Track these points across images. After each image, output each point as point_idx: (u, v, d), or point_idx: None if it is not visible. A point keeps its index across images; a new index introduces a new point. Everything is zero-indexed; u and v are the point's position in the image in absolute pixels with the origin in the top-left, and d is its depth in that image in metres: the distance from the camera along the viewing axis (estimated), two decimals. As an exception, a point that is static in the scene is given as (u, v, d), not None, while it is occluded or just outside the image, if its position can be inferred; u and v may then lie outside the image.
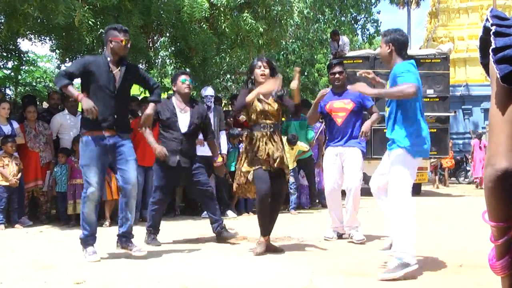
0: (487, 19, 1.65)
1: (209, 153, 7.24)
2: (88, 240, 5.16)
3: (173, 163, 6.02)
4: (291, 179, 9.41)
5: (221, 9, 9.43)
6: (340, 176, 6.30)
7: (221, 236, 6.17)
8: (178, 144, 6.04)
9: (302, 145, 9.54)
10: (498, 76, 1.55)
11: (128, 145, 5.31)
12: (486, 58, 1.65)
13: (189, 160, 6.15)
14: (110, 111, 5.16)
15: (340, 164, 6.26)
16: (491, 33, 1.59)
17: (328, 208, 6.59)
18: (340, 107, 6.22)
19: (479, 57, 1.73)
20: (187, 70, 6.61)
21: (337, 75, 6.28)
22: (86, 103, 4.94)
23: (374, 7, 20.00)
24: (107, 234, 6.95)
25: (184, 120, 6.11)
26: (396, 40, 4.68)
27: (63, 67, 12.95)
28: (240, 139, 9.52)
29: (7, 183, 7.61)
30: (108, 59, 5.19)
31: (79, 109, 9.19)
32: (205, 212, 8.79)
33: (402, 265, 4.28)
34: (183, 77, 6.17)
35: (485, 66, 1.69)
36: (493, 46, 1.58)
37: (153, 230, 6.19)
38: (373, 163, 10.23)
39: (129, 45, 5.37)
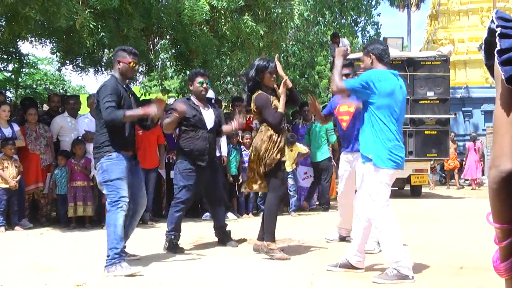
0: (492, 21, 1.64)
1: (217, 154, 7.30)
2: (121, 256, 4.75)
3: (203, 162, 5.92)
4: (290, 181, 9.42)
5: (222, 11, 9.43)
6: (354, 181, 6.22)
7: (222, 241, 6.17)
8: (206, 142, 5.95)
9: (301, 147, 9.55)
10: (503, 78, 1.55)
11: (140, 168, 5.48)
12: (491, 59, 1.64)
13: (213, 160, 6.16)
14: (133, 134, 5.22)
15: (353, 169, 6.16)
16: (496, 34, 1.59)
17: (338, 209, 6.51)
18: (345, 111, 6.15)
19: (483, 59, 1.72)
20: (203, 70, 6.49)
21: (343, 77, 6.17)
22: (153, 109, 4.98)
23: (374, 10, 20.02)
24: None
25: (209, 117, 6.06)
26: (375, 49, 4.71)
27: (64, 70, 12.96)
28: (240, 140, 9.52)
29: (7, 186, 7.61)
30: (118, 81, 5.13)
31: (81, 112, 9.23)
32: (206, 214, 8.79)
33: (399, 276, 4.28)
34: (200, 79, 6.04)
35: (490, 68, 1.68)
36: (498, 47, 1.57)
37: (176, 236, 5.85)
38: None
39: (136, 68, 5.34)
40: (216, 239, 6.30)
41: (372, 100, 4.50)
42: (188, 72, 6.57)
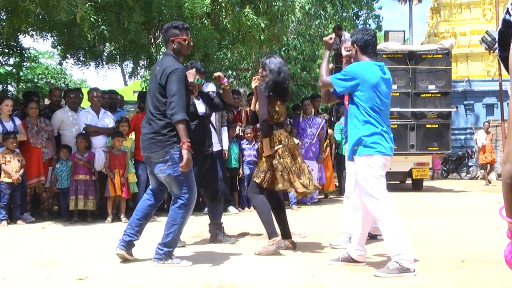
0: (507, 12, 1.61)
1: (218, 147, 7.23)
2: (173, 251, 4.83)
3: (204, 149, 5.88)
4: None
5: (223, 4, 9.41)
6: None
7: (217, 238, 6.06)
8: (202, 129, 5.91)
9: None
10: None
11: None
12: (505, 51, 1.60)
13: (212, 150, 6.13)
14: None
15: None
16: None
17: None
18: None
19: (497, 51, 1.69)
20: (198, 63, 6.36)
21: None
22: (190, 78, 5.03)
23: (375, 3, 19.97)
24: (110, 230, 6.97)
25: (200, 106, 6.01)
26: (360, 40, 4.69)
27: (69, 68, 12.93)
28: (240, 134, 9.51)
29: (10, 180, 7.61)
30: None
31: (83, 105, 9.22)
32: (207, 209, 8.79)
33: (400, 269, 4.28)
34: (196, 77, 5.72)
35: (504, 60, 1.64)
36: None
37: None
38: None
39: (191, 44, 5.12)
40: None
41: (356, 92, 4.53)
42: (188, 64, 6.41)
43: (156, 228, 6.91)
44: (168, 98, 4.64)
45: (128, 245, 4.92)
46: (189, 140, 4.67)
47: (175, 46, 4.88)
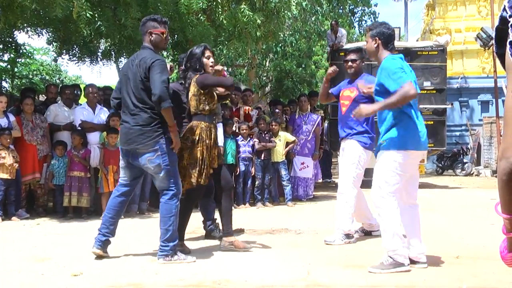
0: (504, 9, 1.60)
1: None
2: (176, 246, 4.86)
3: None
4: (283, 172, 9.44)
5: (219, 0, 9.39)
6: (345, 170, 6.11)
7: (212, 235, 6.07)
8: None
9: (287, 135, 9.59)
10: None
11: None
12: (502, 48, 1.60)
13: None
14: None
15: (342, 158, 6.09)
16: (509, 25, 1.55)
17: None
18: (347, 95, 5.98)
19: (494, 47, 1.68)
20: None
21: (349, 63, 6.01)
22: None
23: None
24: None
25: None
26: (382, 34, 4.64)
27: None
28: (236, 131, 9.51)
29: (4, 176, 7.57)
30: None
31: (81, 101, 9.18)
32: (199, 206, 8.77)
33: (394, 264, 4.30)
34: None
35: (501, 57, 1.64)
36: (510, 38, 1.54)
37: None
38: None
39: (169, 37, 5.13)
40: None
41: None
42: (181, 55, 6.35)
43: (151, 225, 6.93)
44: (152, 86, 4.65)
45: (104, 244, 4.93)
46: (176, 123, 4.76)
47: (152, 39, 4.91)
